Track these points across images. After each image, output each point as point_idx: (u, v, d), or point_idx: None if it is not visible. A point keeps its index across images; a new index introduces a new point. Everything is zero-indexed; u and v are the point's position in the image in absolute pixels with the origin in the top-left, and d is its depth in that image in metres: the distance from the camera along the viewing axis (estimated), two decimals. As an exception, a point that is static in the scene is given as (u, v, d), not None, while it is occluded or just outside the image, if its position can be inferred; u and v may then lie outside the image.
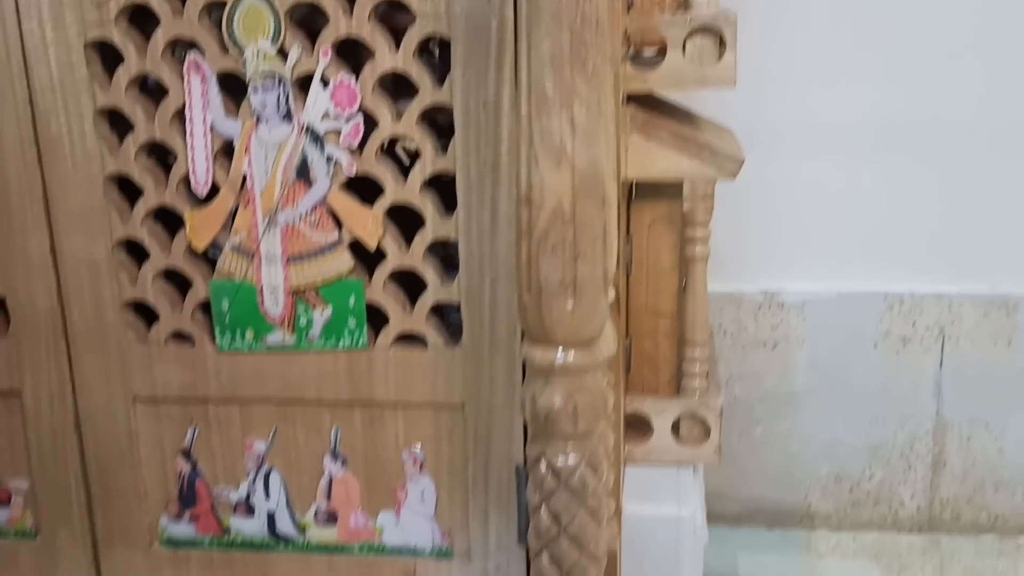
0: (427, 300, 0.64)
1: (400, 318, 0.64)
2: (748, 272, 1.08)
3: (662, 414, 0.72)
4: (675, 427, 0.73)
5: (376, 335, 0.65)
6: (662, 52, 0.65)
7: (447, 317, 0.65)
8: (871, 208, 1.05)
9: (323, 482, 0.68)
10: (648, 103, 0.68)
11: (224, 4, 0.59)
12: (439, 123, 0.62)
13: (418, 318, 0.64)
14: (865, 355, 1.07)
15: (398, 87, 0.62)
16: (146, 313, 0.66)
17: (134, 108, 0.62)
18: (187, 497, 0.69)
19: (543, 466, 0.53)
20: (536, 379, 0.52)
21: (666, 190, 0.71)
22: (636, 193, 0.73)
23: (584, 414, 0.51)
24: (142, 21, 0.61)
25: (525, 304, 0.51)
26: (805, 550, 1.09)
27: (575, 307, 0.50)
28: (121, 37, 0.61)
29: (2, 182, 0.64)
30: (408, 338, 0.65)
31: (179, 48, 0.61)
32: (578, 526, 0.53)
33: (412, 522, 0.68)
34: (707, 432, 0.72)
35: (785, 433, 1.11)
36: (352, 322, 0.64)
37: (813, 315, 1.08)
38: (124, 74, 0.61)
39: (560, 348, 0.51)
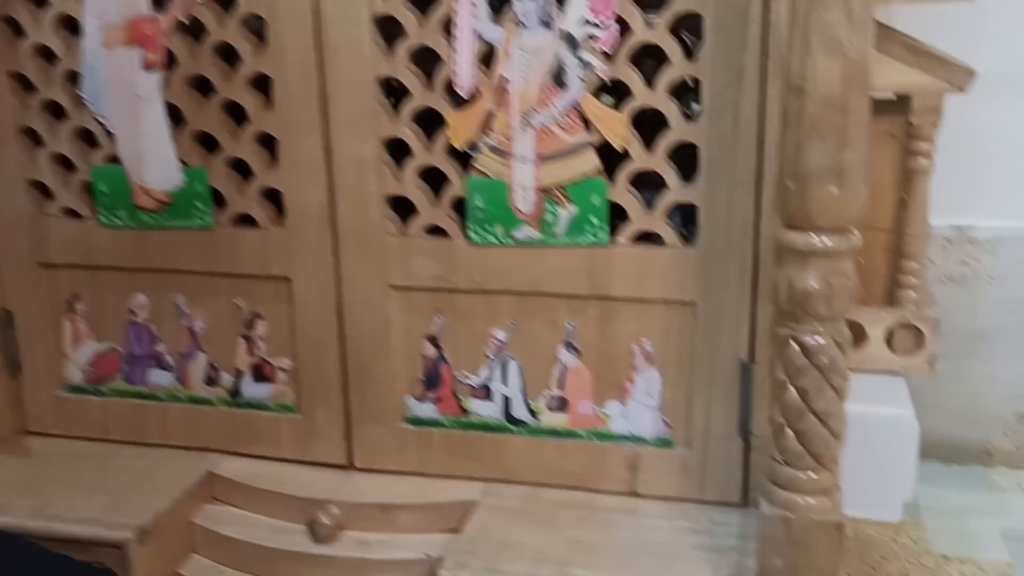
0: (666, 200, 0.68)
1: (640, 217, 0.69)
2: (938, 206, 1.08)
3: (878, 323, 0.75)
4: (889, 337, 0.76)
5: (615, 233, 0.69)
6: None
7: (682, 217, 0.70)
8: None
9: (556, 371, 0.73)
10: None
11: (495, -81, 0.65)
12: (685, 30, 0.66)
13: (657, 217, 0.68)
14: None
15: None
16: (405, 208, 0.73)
17: (406, 15, 0.68)
18: (431, 380, 0.76)
19: (793, 345, 0.56)
20: (793, 262, 0.56)
21: (888, 105, 0.72)
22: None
23: (838, 296, 0.55)
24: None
25: (788, 190, 0.55)
26: (985, 486, 1.09)
27: (839, 193, 0.53)
28: (398, -49, 0.67)
29: (284, 87, 0.71)
30: (646, 237, 0.69)
31: (449, -39, 0.67)
32: (825, 403, 0.56)
33: (637, 412, 0.73)
34: (921, 342, 0.74)
35: (970, 371, 1.11)
36: (595, 220, 0.69)
37: (1005, 253, 1.07)
38: (400, -15, 0.67)
39: (820, 233, 0.54)
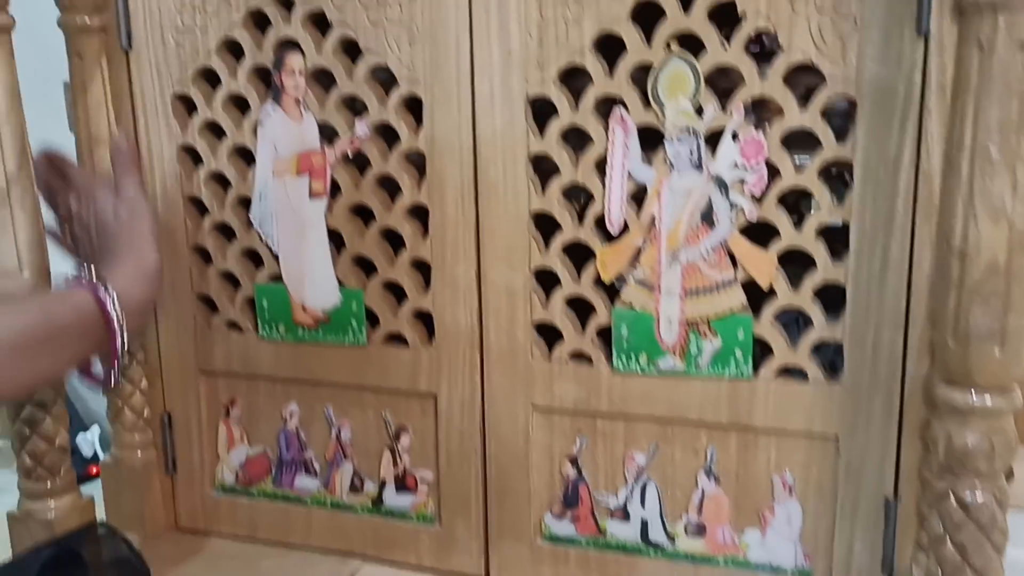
0: (811, 337, 0.69)
1: (784, 352, 0.70)
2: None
3: (1025, 461, 0.74)
4: (1037, 475, 0.74)
5: (758, 366, 0.71)
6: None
7: (824, 353, 0.70)
8: None
9: (695, 496, 0.74)
10: None
11: (650, 67, 0.68)
12: (831, 175, 0.68)
13: (802, 353, 0.70)
14: None
15: (791, 138, 0.68)
16: (551, 334, 0.75)
17: (560, 155, 0.72)
18: (570, 499, 0.78)
19: (952, 500, 0.56)
20: (951, 418, 0.56)
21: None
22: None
23: (999, 454, 0.55)
24: (571, 80, 0.71)
25: (948, 348, 0.55)
26: None
27: (1001, 354, 0.54)
28: (557, 94, 0.70)
29: (441, 217, 0.75)
30: (790, 371, 0.70)
31: (604, 103, 0.70)
32: (984, 560, 0.56)
33: (776, 542, 0.73)
34: (1072, 482, 0.73)
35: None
36: (739, 353, 0.71)
37: None
38: (556, 126, 0.71)
39: (980, 391, 0.55)
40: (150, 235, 0.68)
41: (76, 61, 0.79)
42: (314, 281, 0.80)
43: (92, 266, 0.67)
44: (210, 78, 0.80)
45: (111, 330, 0.64)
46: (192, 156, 0.82)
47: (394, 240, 0.78)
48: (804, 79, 0.67)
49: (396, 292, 0.79)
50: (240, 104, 0.79)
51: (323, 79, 0.77)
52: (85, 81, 0.79)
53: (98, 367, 0.68)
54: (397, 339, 0.80)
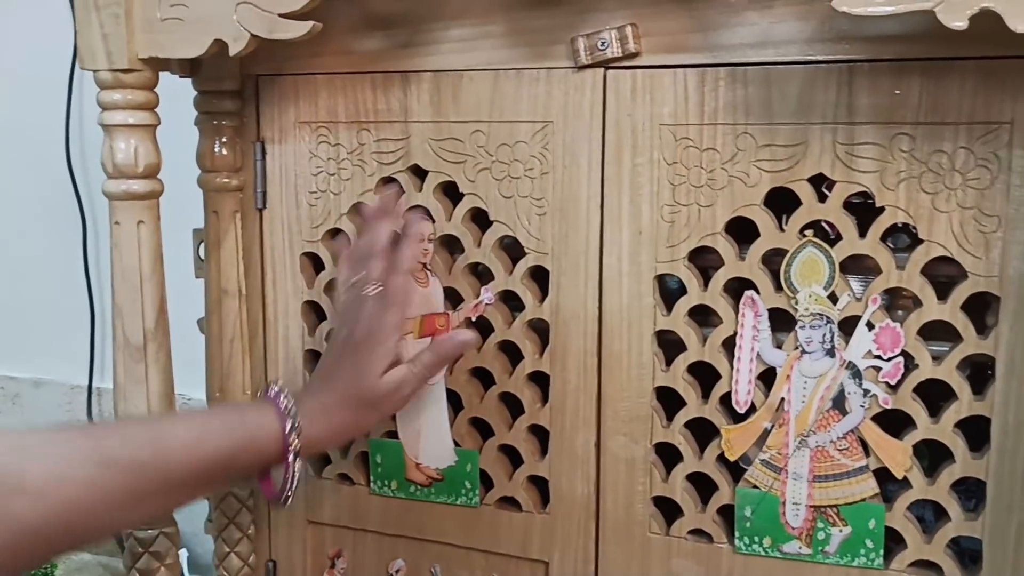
0: (948, 532, 0.67)
1: (918, 545, 0.68)
2: None
3: None
4: None
5: (890, 558, 0.69)
6: None
7: (962, 549, 0.68)
8: None
9: None
10: None
11: (784, 252, 0.68)
12: (972, 366, 0.67)
13: (937, 547, 0.67)
14: None
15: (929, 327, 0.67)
16: (671, 508, 0.74)
17: (687, 332, 0.72)
18: None
19: None
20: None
21: None
22: None
23: None
24: (702, 262, 0.72)
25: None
26: None
27: None
28: (686, 273, 0.71)
29: (562, 386, 0.75)
30: (924, 564, 0.68)
31: (734, 284, 0.71)
32: None
33: None
34: None
35: None
36: (869, 543, 0.69)
37: None
38: (684, 304, 0.71)
39: None
40: (374, 376, 0.71)
41: (212, 217, 0.82)
42: (430, 440, 0.80)
43: (286, 390, 0.70)
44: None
45: (284, 456, 0.68)
46: (316, 311, 0.84)
47: (513, 405, 0.78)
48: (944, 268, 0.66)
49: (512, 456, 0.79)
50: (367, 264, 0.81)
51: (450, 246, 0.79)
52: (219, 237, 0.82)
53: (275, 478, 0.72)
54: (511, 502, 0.79)
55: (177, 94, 0.80)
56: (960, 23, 0.52)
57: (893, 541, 0.69)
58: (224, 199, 0.82)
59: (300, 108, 0.80)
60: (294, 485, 0.70)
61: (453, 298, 0.79)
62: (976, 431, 0.66)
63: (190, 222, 0.86)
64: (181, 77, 0.80)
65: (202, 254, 0.87)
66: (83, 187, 1.47)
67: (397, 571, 0.84)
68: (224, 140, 0.81)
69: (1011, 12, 0.51)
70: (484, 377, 0.79)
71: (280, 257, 0.83)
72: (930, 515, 0.70)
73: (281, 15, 0.67)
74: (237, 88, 0.81)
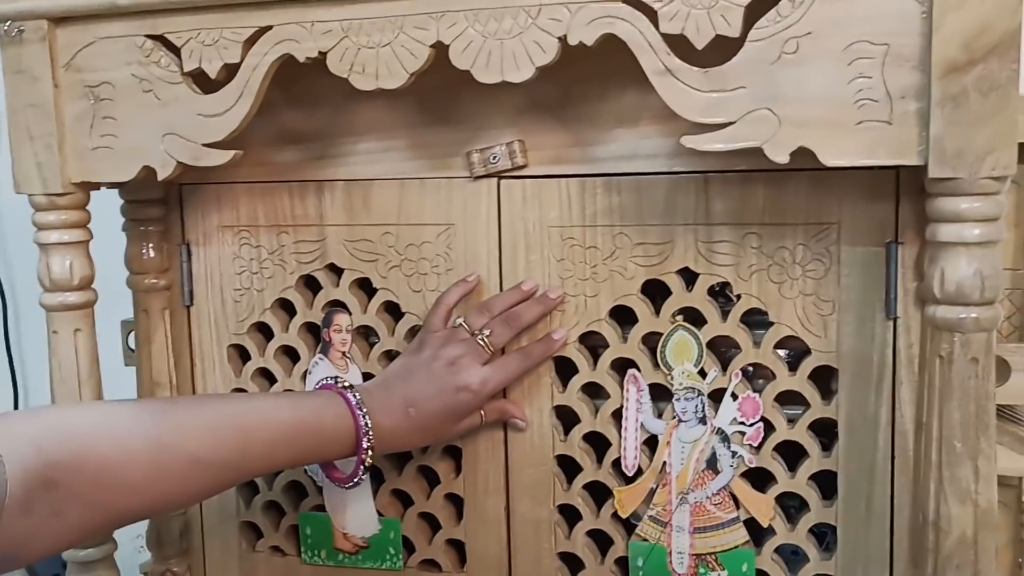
0: (808, 572, 0.78)
1: (784, 584, 0.79)
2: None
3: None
4: None
5: (762, 595, 0.79)
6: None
7: (822, 583, 0.79)
8: None
9: None
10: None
11: (660, 334, 0.78)
12: (819, 427, 0.78)
13: (800, 585, 0.78)
14: None
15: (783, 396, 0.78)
16: (574, 562, 0.84)
17: (581, 406, 0.81)
18: None
19: None
20: (936, 666, 0.65)
21: (1003, 480, 0.82)
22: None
23: None
24: (591, 343, 0.81)
25: (930, 605, 0.64)
26: None
27: (975, 612, 0.63)
28: (577, 355, 0.80)
29: (475, 457, 0.84)
30: (790, 600, 0.79)
31: (619, 363, 0.80)
32: None
33: None
34: None
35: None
36: (744, 584, 0.79)
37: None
38: (577, 381, 0.81)
39: (961, 642, 0.64)
40: (457, 393, 0.78)
41: (142, 316, 0.88)
42: (355, 511, 0.88)
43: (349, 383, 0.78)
44: (264, 330, 0.89)
45: (358, 436, 0.75)
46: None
47: (430, 476, 0.86)
48: (793, 344, 0.77)
49: (431, 522, 0.87)
50: (291, 353, 0.89)
51: (367, 334, 0.87)
52: (150, 332, 0.89)
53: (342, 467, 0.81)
54: (432, 564, 0.87)
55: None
56: (783, 159, 0.63)
57: (764, 581, 0.79)
58: (153, 298, 0.89)
59: (222, 213, 0.88)
60: (362, 477, 0.78)
61: (371, 381, 0.87)
62: (827, 483, 0.77)
63: (116, 310, 0.92)
64: (108, 188, 0.86)
65: (131, 344, 0.93)
66: (2, 267, 1.50)
67: (329, 632, 0.91)
68: (151, 244, 0.88)
69: (823, 149, 0.62)
70: (402, 452, 0.87)
71: (208, 349, 0.90)
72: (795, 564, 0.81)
73: (205, 145, 0.74)
74: (162, 197, 0.88)
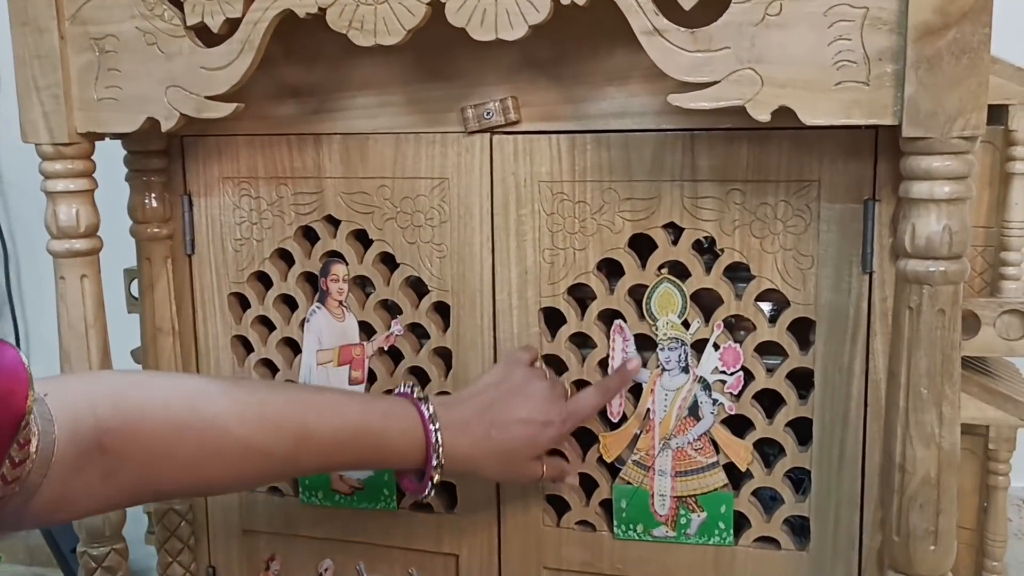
0: (783, 512, 0.82)
1: (760, 524, 0.82)
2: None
3: None
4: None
5: (738, 535, 0.83)
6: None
7: (794, 525, 0.83)
8: None
9: (685, 647, 0.86)
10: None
11: (645, 286, 0.81)
12: (797, 376, 0.82)
13: (775, 526, 0.82)
14: None
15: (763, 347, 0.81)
16: (560, 504, 0.87)
17: (569, 356, 0.84)
18: (576, 648, 0.89)
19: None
20: (899, 599, 0.69)
21: (970, 428, 0.86)
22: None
23: (938, 628, 0.68)
24: (579, 295, 0.84)
25: (895, 543, 0.68)
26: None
27: (936, 550, 0.67)
28: (565, 306, 0.84)
29: (465, 402, 0.87)
30: (765, 539, 0.83)
31: (606, 315, 0.84)
32: None
33: None
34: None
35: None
36: (722, 525, 0.83)
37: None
38: (565, 332, 0.84)
39: (920, 578, 0.68)
40: (538, 428, 0.77)
41: (145, 263, 0.91)
42: (351, 454, 0.91)
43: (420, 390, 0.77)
44: (264, 279, 0.92)
45: (428, 452, 0.73)
46: (244, 345, 0.94)
47: (423, 421, 0.90)
48: (773, 296, 0.80)
49: (423, 465, 0.91)
50: (289, 302, 0.92)
51: (363, 284, 0.90)
52: (152, 280, 0.91)
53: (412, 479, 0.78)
54: (424, 506, 0.91)
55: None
56: (764, 117, 0.66)
57: (741, 523, 0.83)
58: (156, 247, 0.91)
59: (223, 165, 0.90)
60: (431, 492, 0.76)
61: (367, 330, 0.90)
62: (803, 429, 0.81)
63: (119, 259, 0.94)
64: (111, 139, 0.88)
65: (134, 291, 0.96)
66: (3, 217, 1.52)
67: (326, 570, 0.95)
68: (153, 194, 0.90)
69: (802, 108, 0.65)
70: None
71: (209, 297, 0.93)
72: (771, 507, 0.85)
73: (207, 97, 0.77)
74: (164, 148, 0.90)
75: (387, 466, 0.78)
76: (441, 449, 0.73)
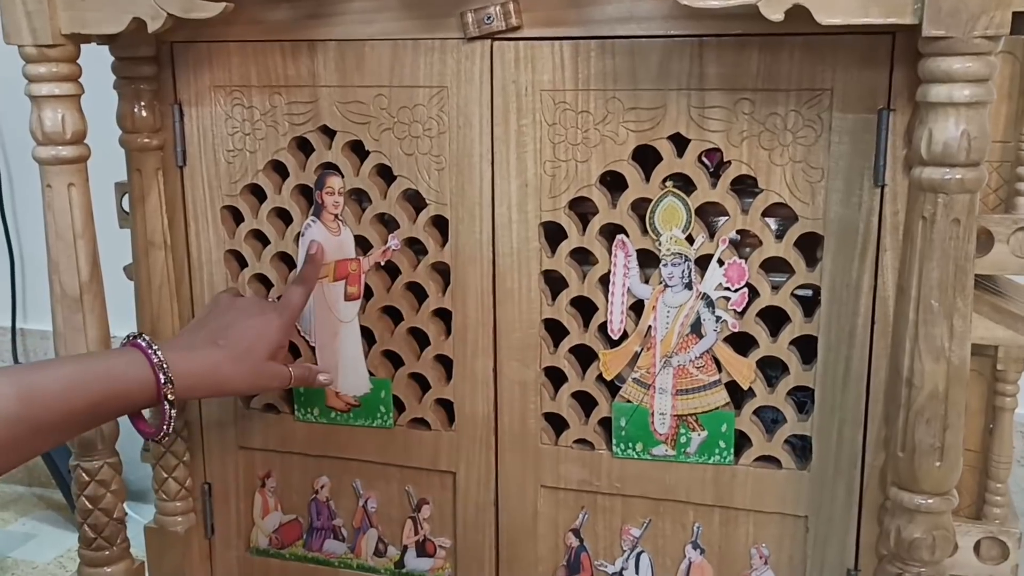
0: (785, 432, 0.81)
1: (761, 444, 0.81)
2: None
3: (966, 535, 0.86)
4: (976, 547, 0.86)
5: (739, 455, 0.82)
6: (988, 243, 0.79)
7: (795, 445, 0.82)
8: None
9: (683, 566, 0.85)
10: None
11: (649, 200, 0.79)
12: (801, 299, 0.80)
13: (776, 445, 0.81)
14: None
15: (769, 263, 0.79)
16: (559, 422, 0.86)
17: (569, 271, 0.82)
18: (573, 566, 0.88)
19: (902, 582, 0.68)
20: (902, 515, 0.68)
21: (979, 348, 0.84)
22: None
23: (940, 546, 0.67)
24: (581, 209, 0.82)
25: (899, 459, 0.67)
26: None
27: (941, 465, 0.65)
28: (566, 220, 0.81)
29: (463, 320, 0.85)
30: (766, 459, 0.82)
31: (608, 229, 0.81)
32: (927, 630, 0.68)
33: (753, 605, 0.84)
34: (1005, 554, 0.85)
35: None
36: (722, 444, 0.82)
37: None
38: (566, 247, 0.82)
39: (925, 495, 0.66)
40: (250, 337, 0.79)
41: (136, 175, 0.89)
42: (347, 371, 0.90)
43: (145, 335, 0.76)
44: (257, 192, 0.90)
45: (160, 404, 0.74)
46: (238, 259, 0.92)
47: (420, 338, 0.88)
48: (780, 212, 0.78)
49: (421, 382, 0.90)
50: (283, 215, 0.89)
51: (359, 197, 0.87)
52: (143, 192, 0.89)
53: (150, 419, 0.79)
54: (421, 423, 0.90)
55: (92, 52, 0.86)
56: (778, 16, 0.63)
57: (742, 442, 0.82)
58: (146, 158, 0.89)
59: (214, 73, 0.87)
60: (170, 427, 0.75)
61: (363, 245, 0.88)
62: (807, 348, 0.79)
63: (110, 174, 0.92)
64: (99, 44, 0.85)
65: (125, 206, 0.94)
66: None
67: (322, 487, 0.95)
68: (143, 103, 0.87)
69: (817, 7, 0.62)
70: (394, 314, 0.89)
71: (202, 210, 0.90)
72: (772, 427, 0.84)
73: (196, -4, 0.74)
74: (153, 54, 0.87)
75: (125, 404, 0.74)
76: (167, 367, 0.73)
